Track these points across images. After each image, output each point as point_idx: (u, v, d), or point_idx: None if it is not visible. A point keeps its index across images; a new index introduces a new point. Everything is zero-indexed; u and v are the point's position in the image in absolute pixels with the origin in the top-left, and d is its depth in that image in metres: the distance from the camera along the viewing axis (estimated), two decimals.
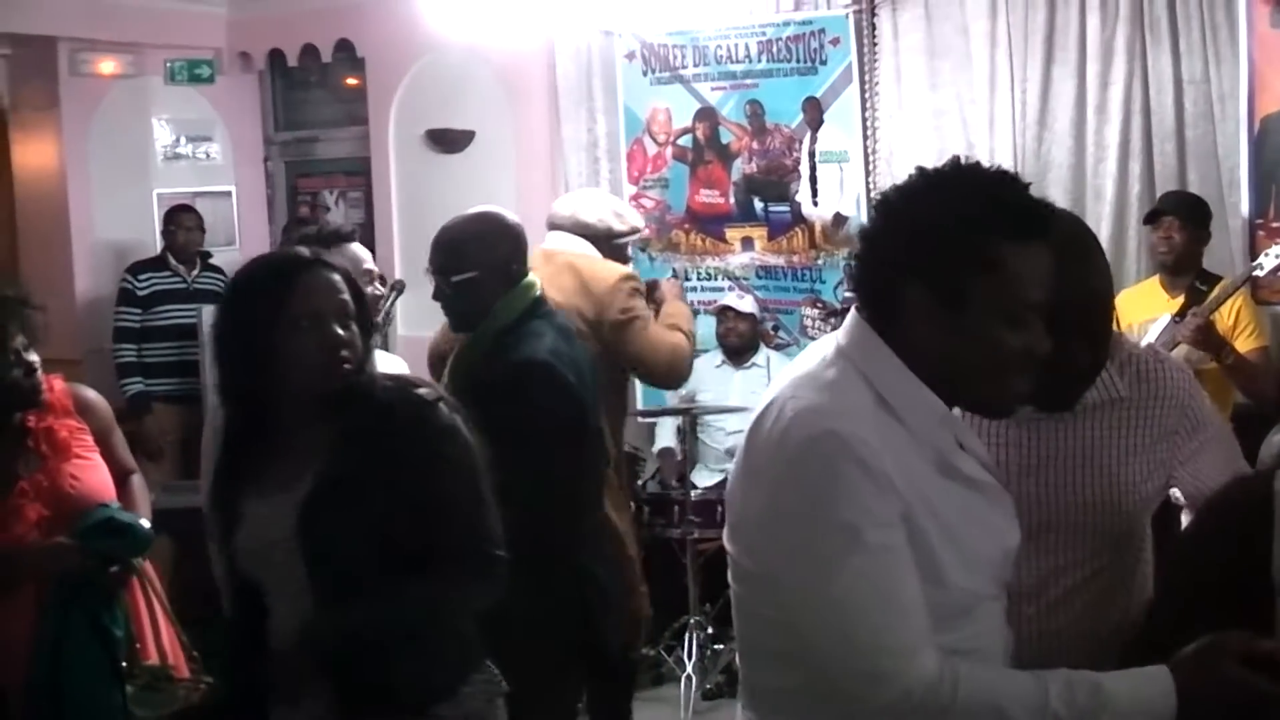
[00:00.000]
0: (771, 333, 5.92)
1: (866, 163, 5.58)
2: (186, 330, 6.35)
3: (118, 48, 6.80)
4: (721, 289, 5.96)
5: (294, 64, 7.19)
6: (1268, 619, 1.74)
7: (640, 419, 5.77)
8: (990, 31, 5.39)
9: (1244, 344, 4.56)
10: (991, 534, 1.83)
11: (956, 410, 1.83)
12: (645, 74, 6.03)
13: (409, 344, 5.59)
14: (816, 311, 5.76)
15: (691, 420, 5.45)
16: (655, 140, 6.05)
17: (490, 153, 6.56)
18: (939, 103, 5.51)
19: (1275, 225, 4.88)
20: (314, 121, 7.51)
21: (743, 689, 1.92)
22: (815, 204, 5.71)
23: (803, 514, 1.70)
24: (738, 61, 5.80)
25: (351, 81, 7.25)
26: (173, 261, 6.54)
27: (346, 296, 2.30)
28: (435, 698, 2.33)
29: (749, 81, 5.79)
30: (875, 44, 5.59)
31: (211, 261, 6.63)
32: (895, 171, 5.43)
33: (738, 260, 5.96)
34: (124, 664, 3.11)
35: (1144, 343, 4.33)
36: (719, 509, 5.01)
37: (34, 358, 3.09)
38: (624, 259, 4.20)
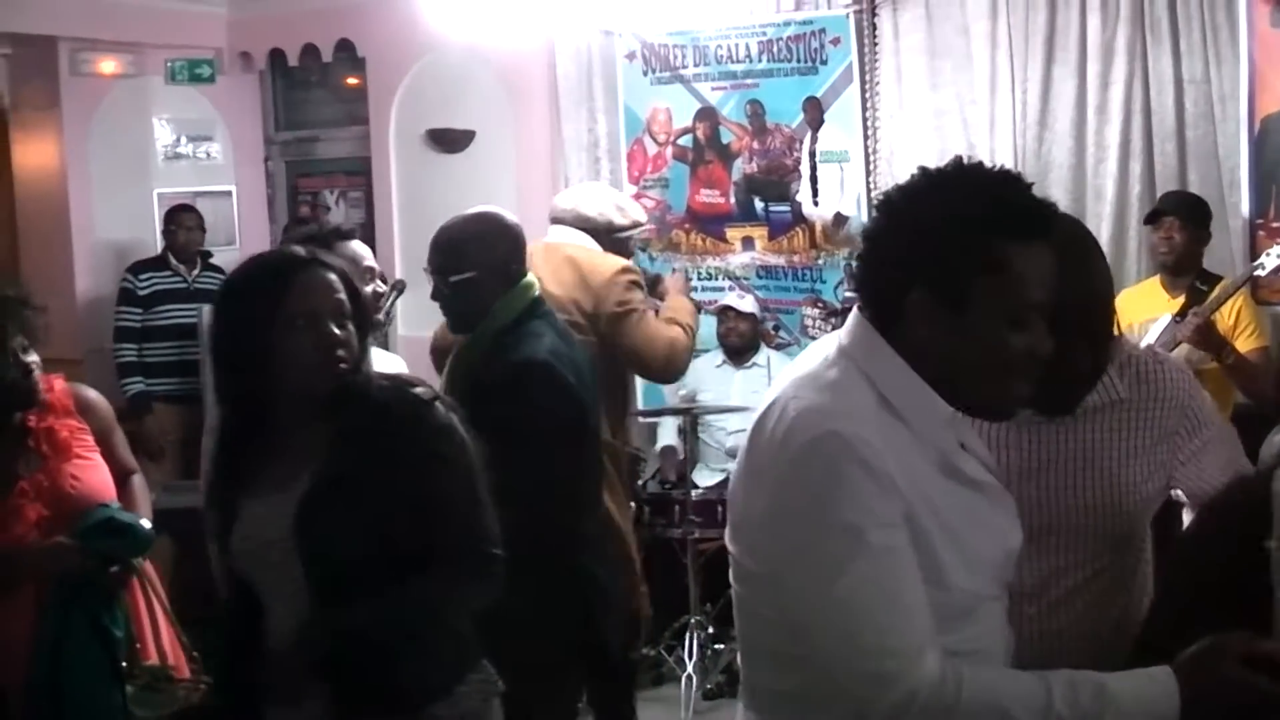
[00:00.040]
0: (772, 332, 5.92)
1: (867, 163, 5.58)
2: (187, 330, 6.35)
3: (118, 47, 6.80)
4: (722, 289, 5.96)
5: (294, 64, 7.19)
6: (1268, 619, 1.73)
7: (641, 419, 5.77)
8: (991, 32, 5.39)
9: (1244, 344, 4.56)
10: (993, 535, 1.83)
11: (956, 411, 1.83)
12: (646, 74, 6.04)
13: (409, 344, 5.59)
14: (817, 311, 5.76)
15: (692, 420, 5.45)
16: (655, 140, 6.05)
17: (491, 153, 6.56)
18: (940, 103, 5.51)
19: (1275, 225, 4.88)
20: (314, 121, 7.51)
21: (744, 689, 1.92)
22: (816, 204, 5.71)
23: (805, 515, 1.70)
24: (738, 61, 5.80)
25: (352, 81, 7.26)
26: (173, 261, 6.54)
27: (343, 296, 2.29)
28: (432, 697, 2.32)
29: (749, 81, 5.79)
30: (876, 44, 5.59)
31: (212, 261, 6.63)
32: (896, 172, 5.43)
33: (738, 260, 5.96)
34: (124, 664, 3.11)
35: (1144, 343, 4.36)
36: (720, 509, 5.01)
37: (33, 358, 3.09)
38: (626, 253, 4.19)
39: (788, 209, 5.79)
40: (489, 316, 3.18)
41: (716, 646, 5.13)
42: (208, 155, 7.31)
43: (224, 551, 2.37)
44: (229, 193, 7.35)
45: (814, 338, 5.33)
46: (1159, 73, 5.09)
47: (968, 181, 1.78)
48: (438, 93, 6.69)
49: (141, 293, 6.44)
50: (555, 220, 4.16)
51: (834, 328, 1.85)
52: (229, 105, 7.33)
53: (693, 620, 5.06)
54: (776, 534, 1.74)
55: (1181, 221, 4.71)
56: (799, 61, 5.64)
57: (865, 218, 5.47)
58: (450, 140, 6.65)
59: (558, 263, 3.93)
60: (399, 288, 3.92)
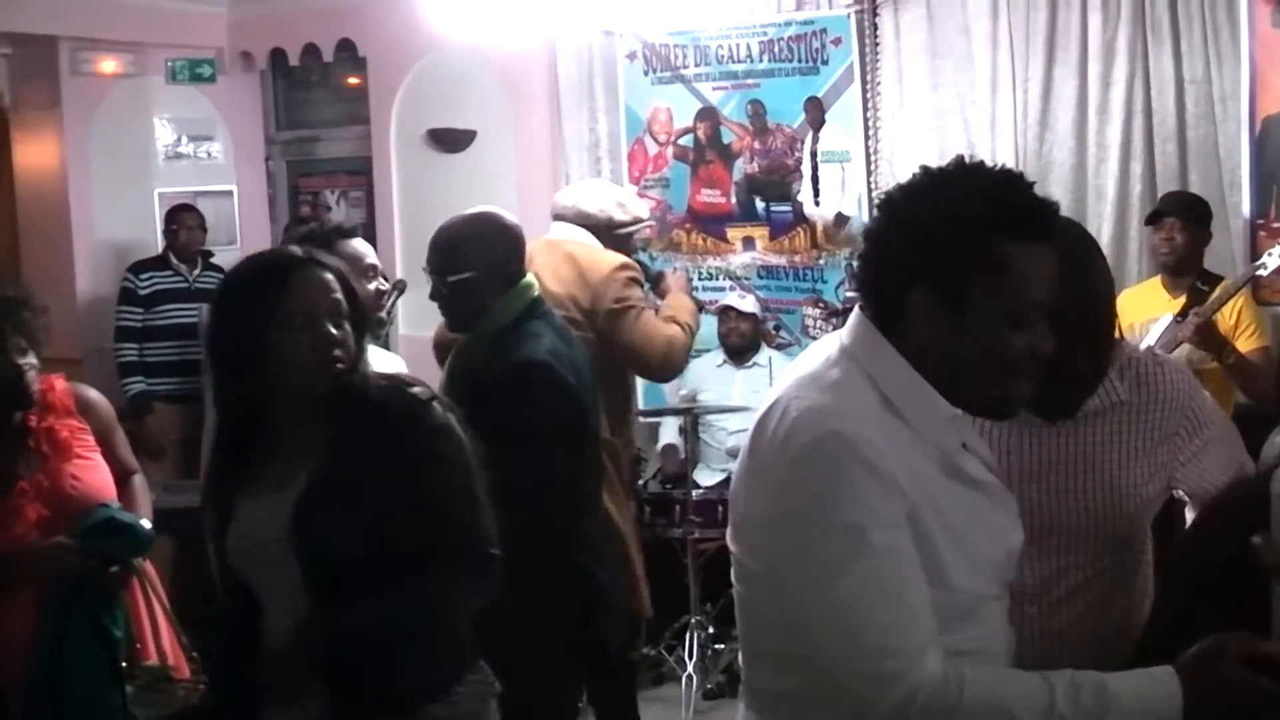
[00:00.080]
0: (773, 332, 5.91)
1: (868, 163, 5.58)
2: (188, 330, 6.35)
3: (119, 47, 6.81)
4: (723, 289, 5.96)
5: (295, 63, 7.19)
6: (1267, 619, 1.73)
7: (642, 418, 5.77)
8: (992, 32, 5.38)
9: (1245, 344, 4.56)
10: (995, 535, 1.83)
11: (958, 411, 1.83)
12: (646, 74, 6.03)
13: (409, 343, 5.60)
14: (818, 311, 5.76)
15: (693, 420, 5.45)
16: (656, 140, 6.05)
17: (491, 152, 6.56)
18: (941, 103, 5.50)
19: (1276, 225, 4.88)
20: (315, 121, 7.52)
21: (745, 689, 1.92)
22: (817, 204, 5.70)
23: (807, 515, 1.70)
24: (739, 61, 5.80)
25: (353, 81, 7.26)
26: (174, 261, 6.53)
27: (340, 295, 2.29)
28: (429, 698, 2.32)
29: (750, 81, 5.79)
30: (877, 44, 5.59)
31: (213, 261, 6.62)
32: (897, 171, 5.43)
33: (739, 260, 5.96)
34: (124, 664, 3.11)
35: (1145, 343, 4.36)
36: (720, 509, 5.01)
37: (30, 359, 3.08)
38: (627, 250, 4.17)
39: (789, 209, 5.79)
40: (488, 316, 3.18)
41: (717, 646, 5.13)
42: (208, 155, 7.31)
43: (220, 551, 2.37)
44: (230, 192, 7.35)
45: (815, 338, 5.33)
46: (1160, 73, 5.09)
47: (969, 181, 1.78)
48: (439, 92, 6.68)
49: (142, 292, 6.44)
50: (556, 217, 4.16)
51: (835, 328, 1.85)
52: (230, 105, 7.33)
53: (693, 620, 5.06)
54: (778, 534, 1.73)
55: (1182, 222, 4.71)
56: (800, 61, 5.64)
57: (866, 218, 5.47)
58: (451, 140, 6.65)
59: (557, 259, 3.93)
60: (400, 287, 3.91)
